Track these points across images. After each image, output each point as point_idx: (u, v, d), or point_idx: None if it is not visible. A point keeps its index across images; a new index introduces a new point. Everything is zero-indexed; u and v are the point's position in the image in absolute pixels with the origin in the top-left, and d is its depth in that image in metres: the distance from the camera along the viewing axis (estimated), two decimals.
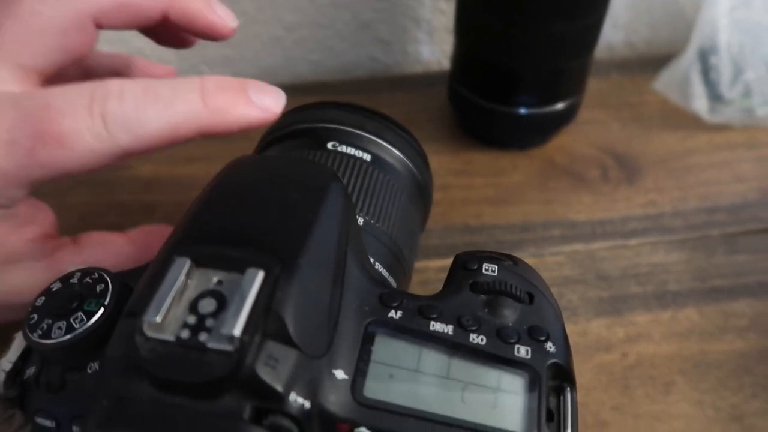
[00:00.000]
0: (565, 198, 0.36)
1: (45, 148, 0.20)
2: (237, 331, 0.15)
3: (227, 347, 0.15)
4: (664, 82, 0.41)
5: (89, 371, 0.17)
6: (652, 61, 0.44)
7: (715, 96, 0.39)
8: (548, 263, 0.33)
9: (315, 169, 0.20)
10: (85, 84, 0.21)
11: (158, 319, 0.15)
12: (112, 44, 0.43)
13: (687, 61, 0.40)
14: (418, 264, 0.31)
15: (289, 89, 0.43)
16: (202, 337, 0.15)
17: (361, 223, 0.24)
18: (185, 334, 0.15)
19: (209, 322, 0.15)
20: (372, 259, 0.23)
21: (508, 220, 0.35)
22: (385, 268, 0.23)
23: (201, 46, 0.44)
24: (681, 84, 0.40)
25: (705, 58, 0.39)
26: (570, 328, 0.30)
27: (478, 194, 0.36)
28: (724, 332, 0.30)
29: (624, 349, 0.29)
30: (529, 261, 0.21)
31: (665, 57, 0.43)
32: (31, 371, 0.18)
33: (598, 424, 0.26)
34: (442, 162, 0.38)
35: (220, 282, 0.16)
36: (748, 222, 0.35)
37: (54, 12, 0.22)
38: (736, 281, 0.32)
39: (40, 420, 0.18)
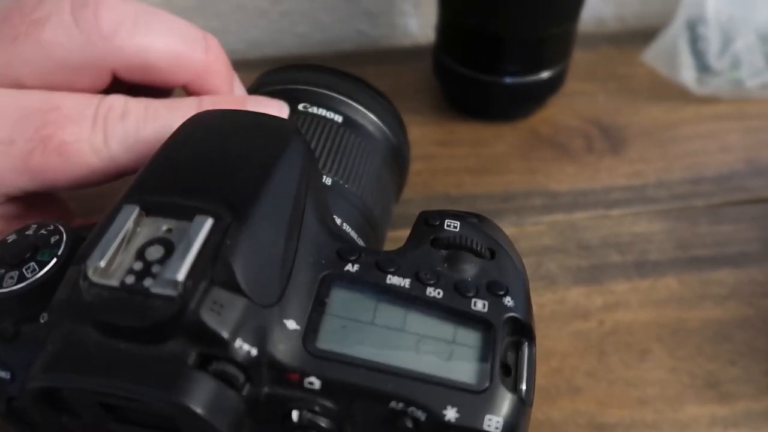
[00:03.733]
0: (548, 168, 0.36)
1: (43, 154, 0.19)
2: (181, 275, 0.15)
3: (171, 292, 0.15)
4: (652, 54, 0.41)
5: (42, 321, 0.17)
6: (642, 34, 0.43)
7: (703, 66, 0.38)
8: (528, 232, 0.32)
9: (275, 122, 0.20)
10: (92, 95, 0.20)
11: (102, 264, 0.15)
12: None
13: (675, 31, 0.39)
14: (397, 233, 0.30)
15: (276, 62, 0.43)
16: (147, 282, 0.15)
17: (330, 184, 0.23)
18: (130, 279, 0.15)
19: (155, 268, 0.15)
20: (339, 220, 0.22)
21: (490, 189, 0.34)
22: (354, 229, 0.23)
23: (186, 17, 0.44)
24: (669, 55, 0.39)
25: (693, 28, 0.38)
26: (548, 297, 0.30)
27: (460, 164, 0.36)
28: (703, 300, 0.29)
29: (601, 317, 0.29)
30: (509, 230, 0.21)
31: (656, 29, 0.42)
32: None
33: (571, 390, 0.26)
34: (426, 133, 0.37)
35: (169, 230, 0.16)
36: (733, 192, 0.34)
37: (74, 47, 0.19)
38: (718, 251, 0.31)
39: None
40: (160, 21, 0.20)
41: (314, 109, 0.25)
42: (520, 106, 0.38)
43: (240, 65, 0.44)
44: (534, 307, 0.29)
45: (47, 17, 0.19)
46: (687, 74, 0.39)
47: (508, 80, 0.36)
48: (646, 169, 0.36)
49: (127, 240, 0.16)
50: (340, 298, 0.17)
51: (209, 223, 0.16)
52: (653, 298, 0.29)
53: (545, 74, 0.36)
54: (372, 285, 0.18)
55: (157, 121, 0.20)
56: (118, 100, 0.20)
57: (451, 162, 0.36)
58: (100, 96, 0.20)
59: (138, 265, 0.15)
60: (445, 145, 0.37)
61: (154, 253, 0.15)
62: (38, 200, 0.21)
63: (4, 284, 0.17)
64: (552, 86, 0.37)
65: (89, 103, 0.20)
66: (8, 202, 0.20)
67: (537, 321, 0.29)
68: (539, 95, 0.38)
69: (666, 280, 0.30)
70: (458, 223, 0.19)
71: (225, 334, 0.15)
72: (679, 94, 0.39)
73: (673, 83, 0.40)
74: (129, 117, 0.20)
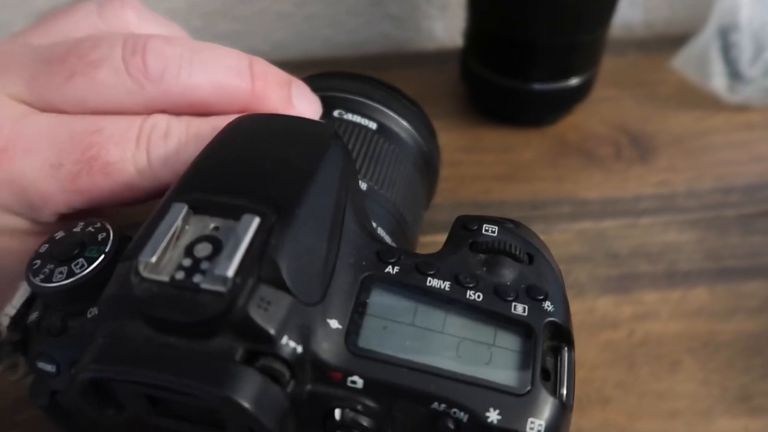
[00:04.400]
0: (576, 176, 0.35)
1: (89, 175, 0.19)
2: (230, 272, 0.15)
3: (220, 288, 0.15)
4: (682, 60, 0.40)
5: (89, 316, 0.17)
6: (672, 40, 0.43)
7: (734, 74, 0.38)
8: (556, 240, 0.32)
9: (316, 126, 0.20)
10: (134, 117, 0.20)
11: (153, 259, 0.15)
12: None
13: (706, 38, 0.39)
14: (426, 238, 0.30)
15: (301, 65, 0.43)
16: (197, 278, 0.15)
17: (365, 189, 0.23)
18: (180, 275, 0.15)
19: (204, 265, 0.15)
20: (374, 224, 0.22)
21: (518, 196, 0.34)
22: (387, 233, 0.23)
23: (212, 20, 0.44)
24: (700, 62, 0.39)
25: (725, 34, 0.38)
26: (576, 306, 0.30)
27: (488, 171, 0.36)
28: (735, 312, 0.29)
29: (631, 327, 0.29)
30: None
31: (685, 36, 0.42)
32: (33, 316, 0.18)
33: (600, 401, 0.26)
34: (453, 138, 0.37)
35: (216, 228, 0.16)
36: (765, 203, 0.34)
37: (124, 91, 0.20)
38: (749, 262, 0.31)
39: (41, 365, 0.18)
40: (204, 58, 0.21)
41: (349, 116, 0.25)
42: (547, 113, 0.38)
43: None
44: None
45: (102, 60, 0.20)
46: (718, 81, 0.38)
47: (537, 86, 0.36)
48: (676, 178, 0.35)
49: (176, 237, 0.16)
50: (380, 300, 0.17)
51: (256, 221, 0.16)
52: (684, 309, 0.29)
53: (574, 81, 0.36)
54: (412, 287, 0.18)
55: (198, 140, 0.20)
56: (161, 120, 0.20)
57: (478, 168, 0.36)
58: (142, 116, 0.20)
59: (187, 262, 0.15)
60: (472, 152, 0.37)
61: (203, 250, 0.15)
62: (89, 214, 0.22)
63: (54, 279, 0.17)
64: (580, 93, 0.37)
65: (132, 124, 0.20)
66: (61, 219, 0.21)
67: None
68: (567, 102, 0.37)
69: (697, 291, 0.30)
70: (496, 227, 0.19)
71: (272, 331, 0.15)
72: (709, 102, 0.39)
73: (703, 90, 0.39)
74: (171, 137, 0.20)
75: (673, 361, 0.27)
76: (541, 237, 0.20)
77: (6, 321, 0.18)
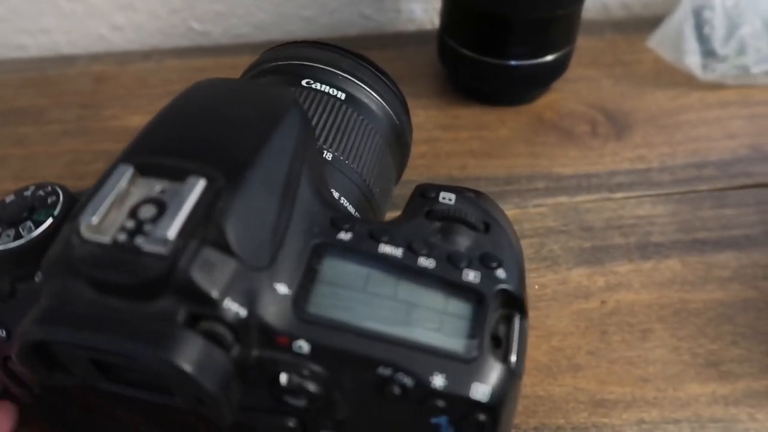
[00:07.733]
0: (552, 152, 0.36)
1: None
2: (171, 234, 0.15)
3: (161, 250, 0.15)
4: (657, 40, 0.41)
5: (37, 280, 0.17)
6: (648, 21, 0.43)
7: (708, 52, 0.38)
8: (531, 214, 0.32)
9: (275, 92, 0.20)
10: None
11: (95, 220, 0.15)
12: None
13: (681, 17, 0.39)
14: (397, 213, 0.30)
15: None
16: (139, 240, 0.15)
17: (330, 159, 0.23)
18: (122, 237, 0.15)
19: (147, 227, 0.15)
20: (338, 194, 0.22)
21: (493, 172, 0.35)
22: (352, 204, 0.23)
23: (191, 1, 0.44)
24: (674, 40, 0.39)
25: (699, 13, 0.38)
26: (550, 277, 0.30)
27: (464, 147, 0.36)
28: (706, 282, 0.29)
29: (603, 297, 0.29)
30: (512, 212, 0.20)
31: (660, 17, 0.42)
32: None
33: (572, 368, 0.26)
34: (430, 116, 0.37)
35: (163, 191, 0.16)
36: (737, 177, 0.34)
37: None
38: (721, 234, 0.31)
39: None
40: None
41: (317, 86, 0.25)
42: (524, 90, 0.38)
43: (246, 48, 0.44)
44: (536, 288, 0.29)
45: None
46: (692, 60, 0.39)
47: (513, 63, 0.36)
48: (650, 153, 0.35)
49: (121, 199, 0.16)
50: (331, 265, 0.17)
51: (202, 183, 0.16)
52: (656, 280, 0.29)
53: (550, 57, 0.36)
54: (364, 253, 0.17)
55: None
56: None
57: (454, 145, 0.36)
58: None
59: (130, 224, 0.15)
60: (449, 129, 0.37)
61: (147, 212, 0.15)
62: None
63: (1, 242, 0.17)
64: (556, 69, 0.37)
65: None
66: None
67: (539, 301, 0.29)
68: (544, 78, 0.37)
69: (669, 262, 0.30)
70: (454, 196, 0.19)
71: (214, 294, 0.15)
72: (684, 80, 0.39)
73: (679, 69, 0.40)
74: None
75: (645, 329, 0.28)
76: (516, 211, 0.20)
77: None
